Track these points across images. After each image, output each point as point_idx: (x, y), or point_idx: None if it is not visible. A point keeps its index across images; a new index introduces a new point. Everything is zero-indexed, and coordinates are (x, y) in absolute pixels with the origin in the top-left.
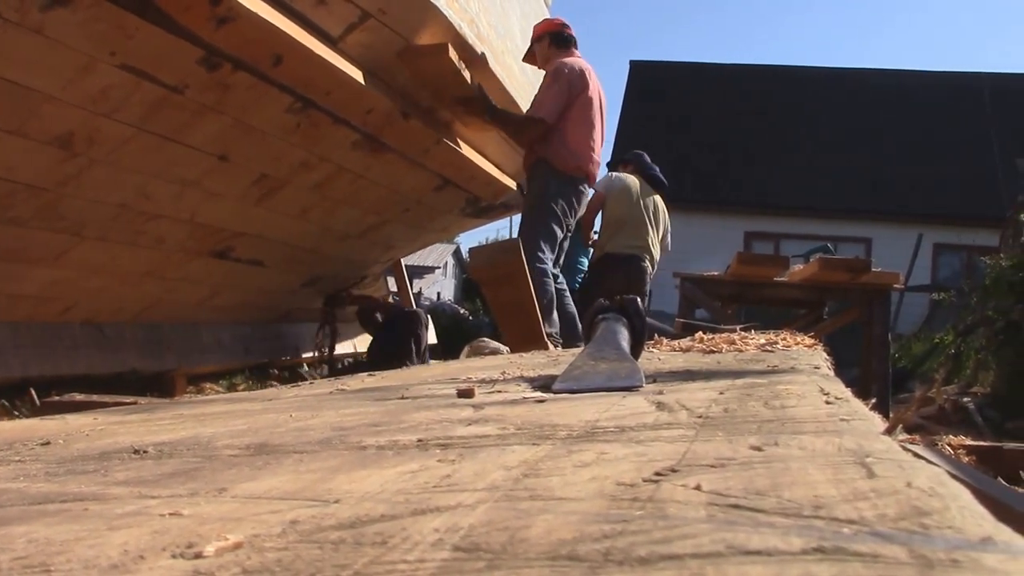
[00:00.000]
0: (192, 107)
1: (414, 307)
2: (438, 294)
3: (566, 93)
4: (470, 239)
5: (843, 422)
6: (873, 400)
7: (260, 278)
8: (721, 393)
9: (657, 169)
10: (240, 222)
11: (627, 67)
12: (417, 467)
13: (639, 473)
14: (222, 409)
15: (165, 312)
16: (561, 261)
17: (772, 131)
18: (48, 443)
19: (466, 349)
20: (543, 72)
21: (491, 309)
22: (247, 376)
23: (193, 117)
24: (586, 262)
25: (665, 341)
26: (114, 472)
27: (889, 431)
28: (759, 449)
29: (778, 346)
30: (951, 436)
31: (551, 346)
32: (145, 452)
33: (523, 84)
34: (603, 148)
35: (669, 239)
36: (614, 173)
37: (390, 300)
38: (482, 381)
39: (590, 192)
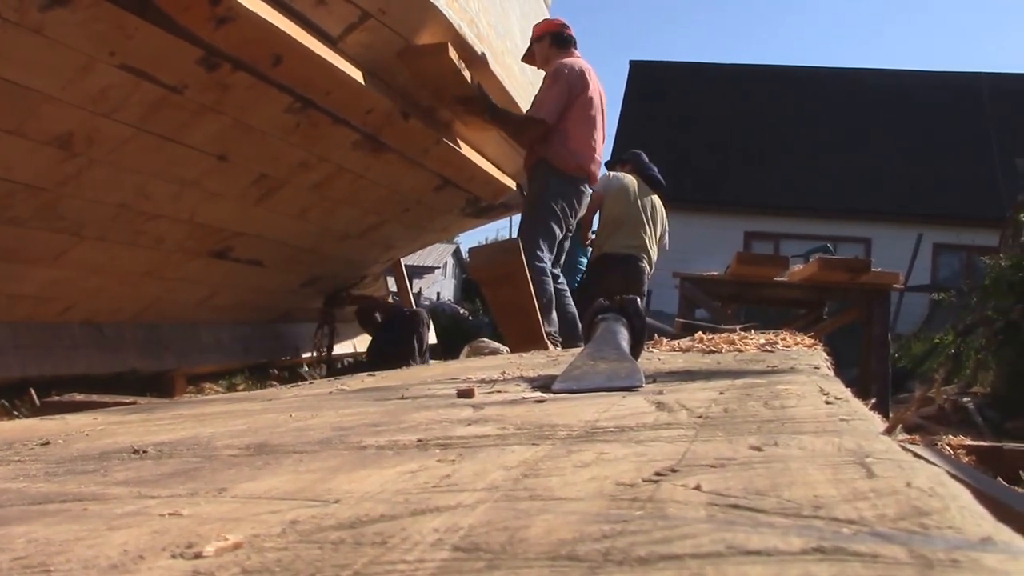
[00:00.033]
0: (191, 107)
1: (414, 307)
2: (438, 294)
3: (566, 94)
4: (470, 239)
5: (843, 422)
6: (873, 400)
7: (259, 278)
8: (721, 393)
9: (655, 169)
10: (239, 222)
11: (627, 67)
12: (417, 467)
13: (639, 473)
14: (222, 409)
15: (164, 312)
16: (562, 261)
17: (772, 131)
18: (48, 443)
19: (466, 349)
20: (543, 72)
21: (491, 309)
22: (247, 376)
23: (192, 117)
24: (586, 262)
25: (665, 341)
26: (114, 472)
27: (889, 431)
28: (759, 449)
29: (778, 346)
30: (951, 436)
31: (550, 346)
32: (145, 452)
33: (523, 84)
34: (604, 148)
35: (667, 239)
36: (612, 173)
37: (390, 300)
38: (482, 381)
39: (591, 192)
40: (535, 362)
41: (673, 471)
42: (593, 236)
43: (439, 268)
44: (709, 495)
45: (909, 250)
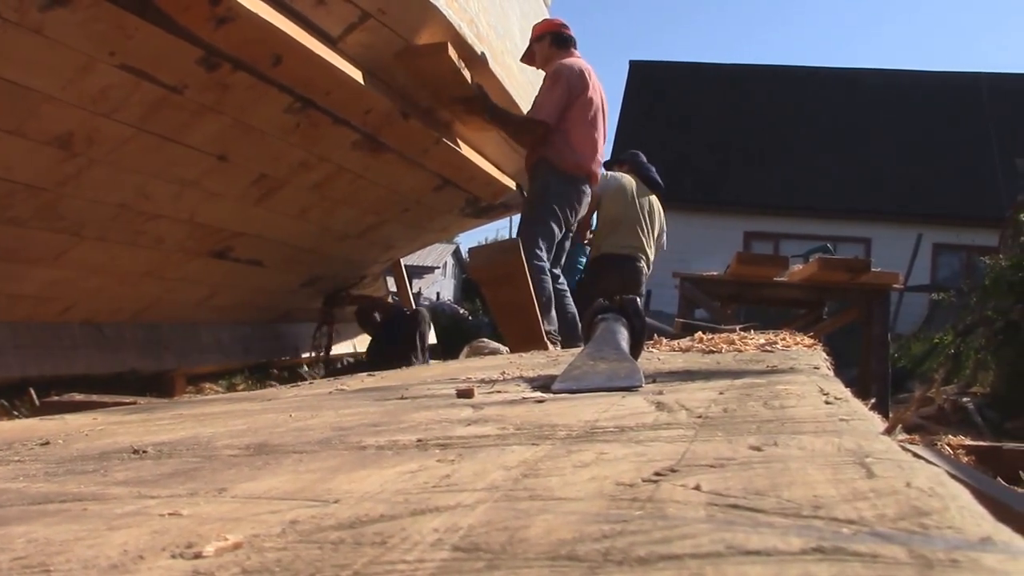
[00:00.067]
0: (191, 107)
1: (414, 307)
2: (437, 294)
3: (566, 95)
4: (470, 239)
5: (842, 422)
6: (872, 400)
7: (259, 278)
8: (720, 393)
9: (653, 169)
10: (239, 222)
11: (627, 67)
12: (416, 467)
13: (638, 473)
14: (221, 409)
15: (164, 312)
16: (563, 261)
17: (772, 131)
18: (47, 443)
19: (465, 349)
20: (543, 72)
21: (491, 309)
22: (246, 376)
23: (192, 117)
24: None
25: (664, 341)
26: (113, 472)
27: (888, 431)
28: (758, 449)
29: (777, 346)
30: (950, 436)
31: (550, 345)
32: (144, 452)
33: (523, 84)
34: (604, 148)
35: (665, 238)
36: (609, 173)
37: (389, 300)
38: (481, 381)
39: (591, 192)
40: (535, 362)
41: (673, 471)
42: (591, 236)
43: (439, 268)
44: (709, 495)
45: (909, 250)
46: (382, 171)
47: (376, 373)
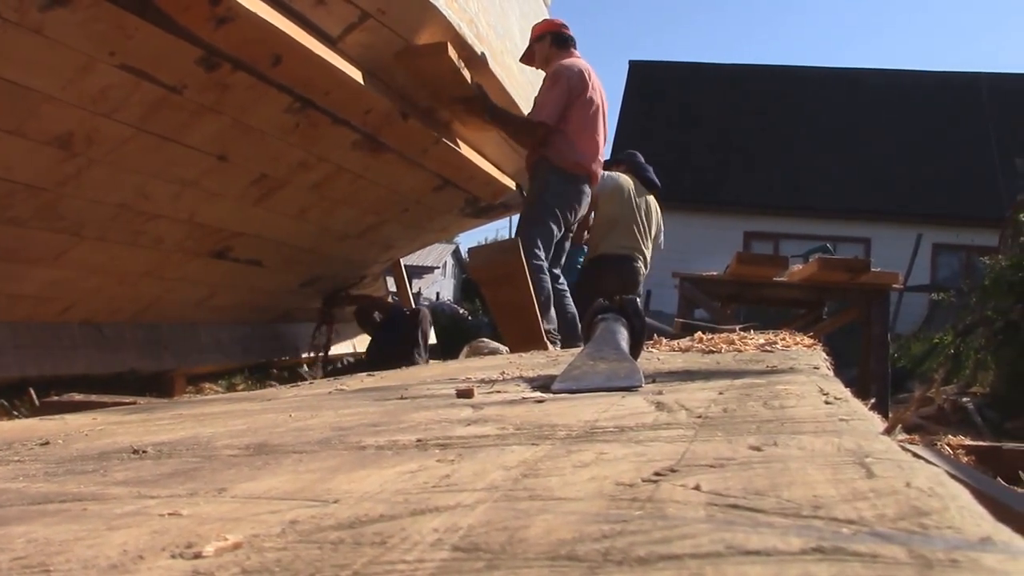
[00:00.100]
0: (191, 107)
1: (414, 307)
2: (437, 294)
3: (566, 95)
4: (469, 239)
5: (842, 422)
6: (872, 400)
7: (259, 278)
8: (720, 393)
9: (651, 170)
10: (239, 222)
11: (627, 67)
12: (416, 467)
13: (638, 473)
14: (221, 409)
15: (164, 312)
16: (562, 261)
17: (771, 131)
18: (47, 443)
19: (465, 349)
20: (542, 72)
21: (490, 309)
22: (246, 376)
23: (192, 117)
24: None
25: (664, 341)
26: (113, 472)
27: (888, 431)
28: (758, 449)
29: (777, 346)
30: (950, 436)
31: (550, 345)
32: (144, 452)
33: (522, 84)
34: (605, 148)
35: (662, 238)
36: (606, 173)
37: (389, 300)
38: (481, 381)
39: (591, 191)
40: (535, 362)
41: (672, 471)
42: (587, 236)
43: (438, 268)
44: (708, 495)
45: (908, 250)
46: (382, 171)
47: (376, 373)
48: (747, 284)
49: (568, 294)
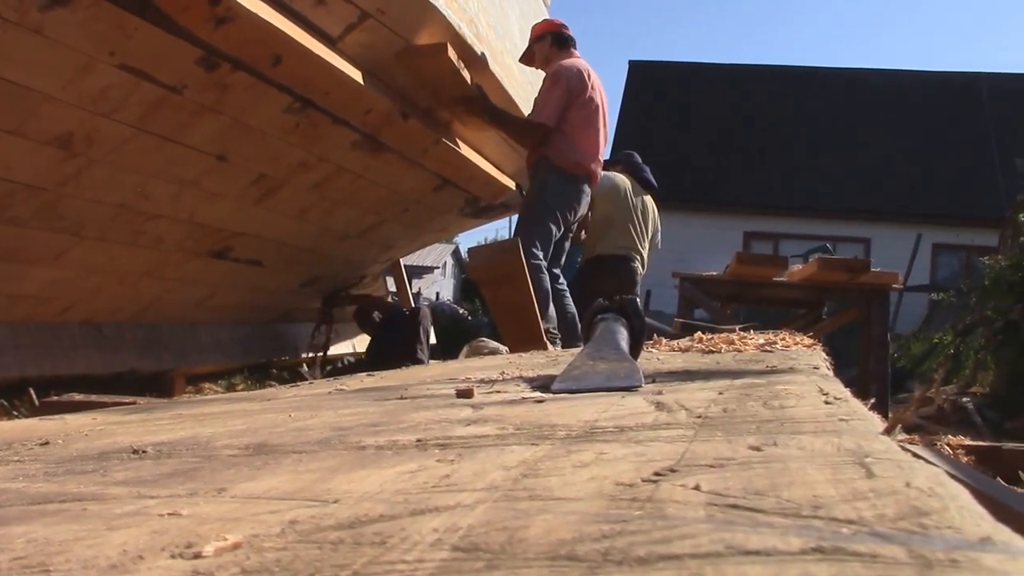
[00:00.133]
0: (191, 107)
1: (413, 306)
2: (437, 294)
3: (565, 96)
4: (469, 239)
5: (842, 422)
6: (872, 400)
7: (259, 278)
8: (720, 393)
9: (648, 171)
10: (239, 222)
11: (627, 67)
12: (416, 467)
13: (638, 473)
14: (221, 409)
15: (164, 312)
16: (562, 260)
17: (771, 131)
18: (47, 443)
19: (465, 349)
20: (542, 73)
21: (490, 309)
22: (246, 376)
23: (192, 117)
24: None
25: (664, 341)
26: (113, 472)
27: (888, 431)
28: (758, 449)
29: (777, 346)
30: (950, 436)
31: (549, 345)
32: (144, 452)
33: (522, 84)
34: (606, 148)
35: (659, 237)
36: (603, 172)
37: (389, 300)
38: (481, 381)
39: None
40: (534, 362)
41: (672, 471)
42: (583, 236)
43: (438, 268)
44: (708, 495)
45: (908, 250)
46: (382, 171)
47: (375, 373)
48: (747, 284)
49: (568, 294)
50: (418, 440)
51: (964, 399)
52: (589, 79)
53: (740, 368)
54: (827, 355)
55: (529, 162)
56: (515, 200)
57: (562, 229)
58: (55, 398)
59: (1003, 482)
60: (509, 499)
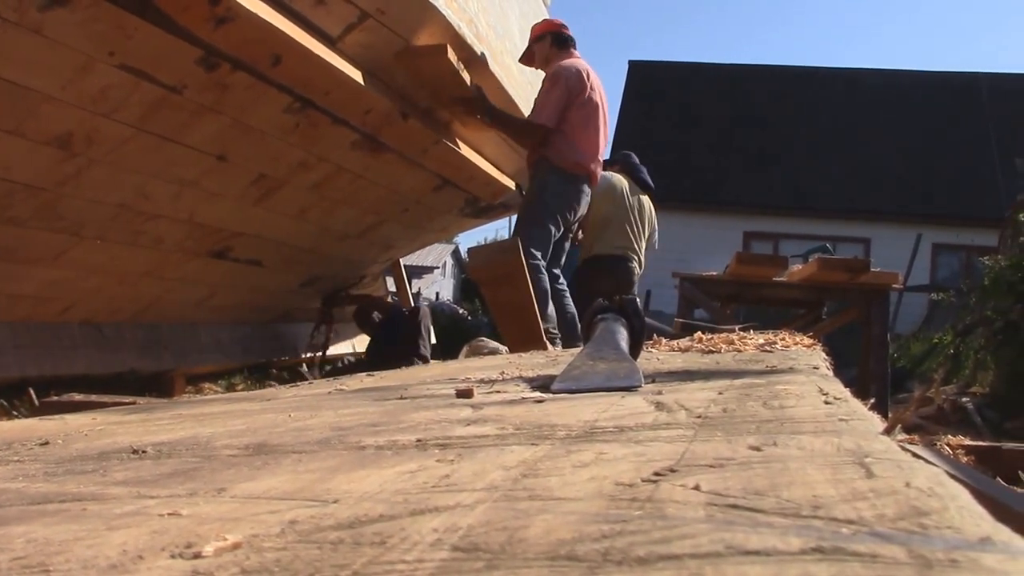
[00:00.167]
0: (191, 107)
1: (413, 306)
2: (437, 294)
3: (565, 96)
4: (469, 239)
5: (842, 422)
6: (872, 400)
7: (259, 278)
8: (720, 393)
9: (645, 171)
10: (239, 222)
11: (626, 67)
12: (416, 467)
13: (638, 473)
14: (221, 409)
15: (164, 312)
16: (562, 260)
17: (771, 131)
18: (47, 443)
19: (465, 349)
20: (542, 73)
21: (490, 309)
22: (246, 376)
23: (192, 117)
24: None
25: (664, 341)
26: (113, 472)
27: (888, 431)
28: (758, 449)
29: (777, 346)
30: (950, 436)
31: (549, 345)
32: (144, 452)
33: (522, 84)
34: (606, 148)
35: (656, 237)
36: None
37: (388, 300)
38: (481, 381)
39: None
40: (534, 362)
41: (672, 471)
42: (580, 236)
43: (438, 268)
44: (708, 495)
45: (908, 250)
46: (382, 171)
47: (375, 373)
48: (747, 284)
49: (567, 294)
50: (418, 440)
51: (964, 399)
52: (588, 79)
53: (740, 368)
54: (827, 355)
55: (529, 162)
56: (515, 200)
57: (562, 229)
58: (55, 398)
59: (1003, 482)
60: (509, 499)
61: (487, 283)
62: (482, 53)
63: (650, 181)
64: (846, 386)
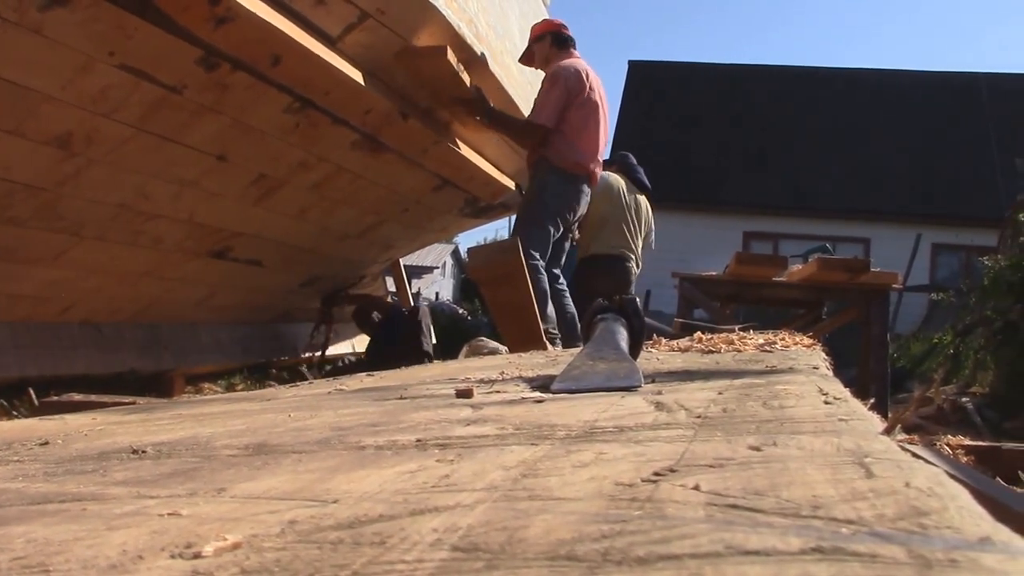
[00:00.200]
0: (191, 107)
1: (412, 305)
2: (436, 294)
3: (564, 96)
4: (469, 239)
5: (841, 422)
6: (872, 400)
7: (258, 278)
8: (720, 393)
9: (642, 172)
10: (238, 222)
11: (626, 67)
12: (416, 467)
13: (638, 473)
14: (220, 409)
15: (163, 312)
16: (562, 260)
17: (771, 131)
18: (47, 443)
19: (465, 349)
20: (542, 73)
21: (490, 309)
22: (245, 376)
23: (192, 117)
24: None
25: (664, 341)
26: (113, 472)
27: (888, 431)
28: (757, 449)
29: (776, 346)
30: (950, 436)
31: (549, 345)
32: (144, 452)
33: (521, 84)
34: (606, 148)
35: (653, 237)
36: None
37: (388, 300)
38: (481, 381)
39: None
40: (534, 362)
41: (672, 471)
42: (577, 236)
43: (438, 268)
44: (708, 495)
45: (908, 250)
46: (381, 171)
47: (375, 373)
48: (746, 284)
49: (567, 294)
50: (418, 440)
51: (964, 399)
52: (588, 79)
53: (740, 368)
54: (827, 355)
55: (529, 162)
56: (515, 200)
57: (561, 229)
58: (55, 398)
59: (1003, 482)
60: (509, 499)
61: (487, 283)
62: (482, 53)
63: (647, 181)
64: (846, 386)
